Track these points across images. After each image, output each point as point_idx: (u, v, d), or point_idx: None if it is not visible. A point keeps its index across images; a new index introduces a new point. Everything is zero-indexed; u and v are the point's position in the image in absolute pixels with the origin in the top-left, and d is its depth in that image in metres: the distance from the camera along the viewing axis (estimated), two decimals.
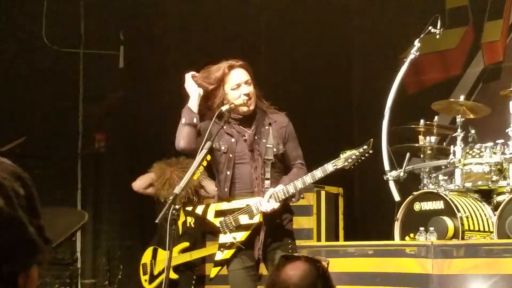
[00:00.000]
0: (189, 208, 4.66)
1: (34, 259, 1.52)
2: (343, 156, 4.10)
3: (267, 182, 4.31)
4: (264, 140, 4.36)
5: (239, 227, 4.35)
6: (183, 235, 6.55)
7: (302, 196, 4.43)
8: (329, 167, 4.14)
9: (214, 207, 4.45)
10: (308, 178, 4.20)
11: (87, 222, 7.57)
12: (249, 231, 4.33)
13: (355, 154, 4.06)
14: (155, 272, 6.67)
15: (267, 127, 4.40)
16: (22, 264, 1.51)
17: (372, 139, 4.06)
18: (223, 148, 4.38)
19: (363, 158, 4.08)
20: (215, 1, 8.24)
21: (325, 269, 2.87)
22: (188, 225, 6.61)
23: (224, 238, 4.40)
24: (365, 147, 4.06)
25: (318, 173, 4.18)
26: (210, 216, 4.44)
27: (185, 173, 4.17)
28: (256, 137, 4.37)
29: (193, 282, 6.56)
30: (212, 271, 4.43)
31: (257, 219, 4.30)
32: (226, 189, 4.39)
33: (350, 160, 4.07)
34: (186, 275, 6.51)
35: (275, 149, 4.35)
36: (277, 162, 4.37)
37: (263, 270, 4.47)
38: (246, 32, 8.30)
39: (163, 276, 6.45)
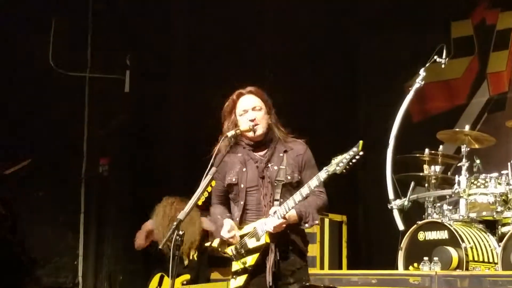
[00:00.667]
0: (207, 244, 4.64)
1: (22, 280, 1.51)
2: (334, 161, 4.10)
3: (276, 204, 4.29)
4: (275, 167, 4.35)
5: (248, 252, 4.33)
6: (186, 267, 6.53)
7: (316, 222, 4.38)
8: (322, 174, 4.15)
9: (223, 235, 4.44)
10: (305, 189, 4.20)
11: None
12: (257, 253, 4.31)
13: (345, 157, 4.05)
14: None
15: (281, 154, 4.40)
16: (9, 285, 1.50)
17: (361, 141, 4.04)
18: (234, 180, 4.41)
19: (354, 161, 4.05)
20: (222, 27, 8.27)
21: None
22: (191, 258, 6.60)
23: (236, 265, 4.39)
24: (354, 149, 4.05)
25: (313, 182, 4.18)
26: (224, 247, 4.45)
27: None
28: (268, 164, 4.38)
29: None
30: None
31: (263, 240, 4.28)
32: (237, 219, 4.41)
33: (341, 164, 4.06)
34: None
35: (289, 176, 4.32)
36: (292, 189, 4.35)
37: None
38: (254, 56, 8.32)
39: None
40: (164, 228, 6.57)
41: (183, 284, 6.44)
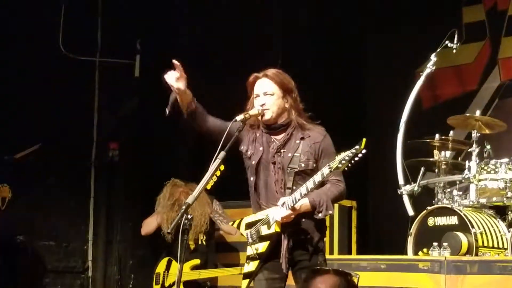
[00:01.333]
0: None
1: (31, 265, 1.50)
2: (337, 158, 4.09)
3: (288, 192, 4.27)
4: (289, 154, 4.33)
5: (262, 238, 4.34)
6: (194, 251, 6.54)
7: (330, 212, 4.34)
8: (325, 170, 4.12)
9: (244, 220, 4.47)
10: (310, 183, 4.18)
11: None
12: (269, 241, 4.31)
13: (348, 155, 4.03)
14: (166, 284, 6.66)
15: (298, 141, 4.36)
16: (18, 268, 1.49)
17: (364, 139, 4.02)
18: (248, 153, 4.40)
19: (356, 158, 4.03)
20: (233, 12, 8.25)
21: (355, 283, 2.82)
22: (200, 242, 6.60)
23: (249, 250, 4.40)
24: (357, 147, 4.02)
25: (317, 177, 4.15)
26: (243, 230, 4.47)
27: None
28: (282, 150, 4.35)
29: None
30: (242, 284, 4.40)
31: (273, 229, 4.28)
32: (253, 194, 4.41)
33: (343, 161, 4.04)
34: None
35: (303, 164, 4.28)
36: (307, 177, 4.30)
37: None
38: (262, 43, 8.30)
39: None
40: (167, 210, 6.58)
41: (192, 269, 6.45)
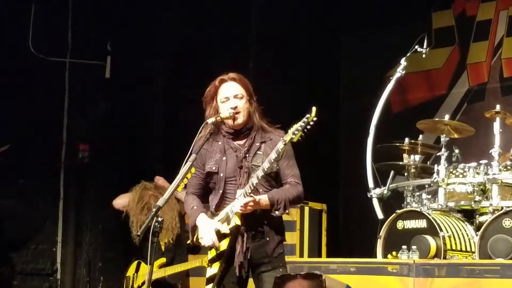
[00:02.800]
0: (188, 242, 4.61)
1: None
2: (290, 130, 4.11)
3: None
4: (253, 157, 4.34)
5: (221, 237, 4.30)
6: (164, 252, 6.52)
7: (287, 211, 4.37)
8: (280, 145, 4.14)
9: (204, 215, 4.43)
10: (266, 164, 4.18)
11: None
12: (230, 236, 4.27)
13: (300, 125, 4.06)
14: (135, 286, 6.63)
15: (260, 145, 4.37)
16: None
17: (315, 107, 4.05)
18: (213, 168, 4.38)
19: (308, 127, 4.06)
20: (202, 10, 8.24)
21: (326, 284, 2.82)
22: (167, 241, 6.58)
23: (210, 253, 4.38)
24: (308, 116, 4.06)
25: (273, 155, 4.17)
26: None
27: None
28: (247, 154, 4.36)
29: None
30: None
31: (233, 222, 4.25)
32: (213, 206, 4.40)
33: (296, 132, 4.07)
34: None
35: (262, 173, 4.30)
36: (270, 179, 4.35)
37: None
38: (235, 43, 8.30)
39: None
40: (137, 213, 6.56)
41: (159, 268, 6.43)
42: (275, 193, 4.29)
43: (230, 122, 4.37)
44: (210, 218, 4.37)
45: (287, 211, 4.34)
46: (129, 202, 6.71)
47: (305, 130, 4.06)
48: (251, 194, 4.20)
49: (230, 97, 4.37)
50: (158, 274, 6.34)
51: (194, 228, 4.40)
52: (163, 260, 6.43)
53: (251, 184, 4.20)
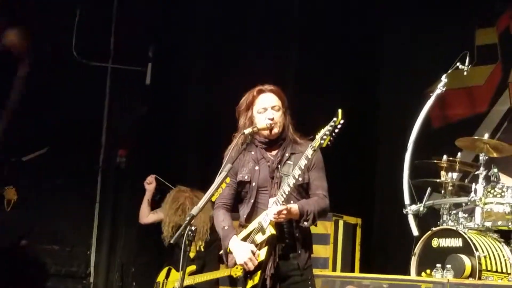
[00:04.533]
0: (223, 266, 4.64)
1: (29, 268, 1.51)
2: (317, 136, 4.11)
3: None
4: (283, 167, 4.35)
5: (258, 247, 4.30)
6: (195, 259, 6.53)
7: (315, 223, 4.37)
8: (309, 151, 4.14)
9: (238, 237, 4.43)
10: (296, 171, 4.18)
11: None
12: (267, 246, 4.27)
13: (328, 129, 4.06)
14: None
15: (288, 155, 4.40)
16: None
17: (340, 110, 4.03)
18: (246, 177, 4.42)
19: (336, 130, 4.05)
20: (246, 22, 8.27)
21: None
22: (198, 248, 6.60)
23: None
24: (334, 119, 4.05)
25: (302, 161, 4.18)
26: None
27: (199, 200, 4.16)
28: (278, 165, 4.37)
29: None
30: None
31: (268, 232, 4.26)
32: (244, 216, 4.42)
33: (324, 137, 4.07)
34: None
35: (300, 178, 4.30)
36: (302, 190, 4.36)
37: None
38: (276, 56, 8.30)
39: None
40: (171, 213, 6.60)
41: (189, 275, 6.45)
42: (305, 204, 4.30)
43: (265, 132, 4.41)
44: (239, 229, 4.38)
45: (315, 223, 4.33)
46: (164, 206, 6.75)
47: (333, 134, 4.07)
48: (283, 203, 4.21)
49: (268, 108, 4.42)
50: (187, 281, 6.35)
51: (227, 253, 4.41)
52: (193, 267, 6.45)
53: (282, 192, 4.21)
